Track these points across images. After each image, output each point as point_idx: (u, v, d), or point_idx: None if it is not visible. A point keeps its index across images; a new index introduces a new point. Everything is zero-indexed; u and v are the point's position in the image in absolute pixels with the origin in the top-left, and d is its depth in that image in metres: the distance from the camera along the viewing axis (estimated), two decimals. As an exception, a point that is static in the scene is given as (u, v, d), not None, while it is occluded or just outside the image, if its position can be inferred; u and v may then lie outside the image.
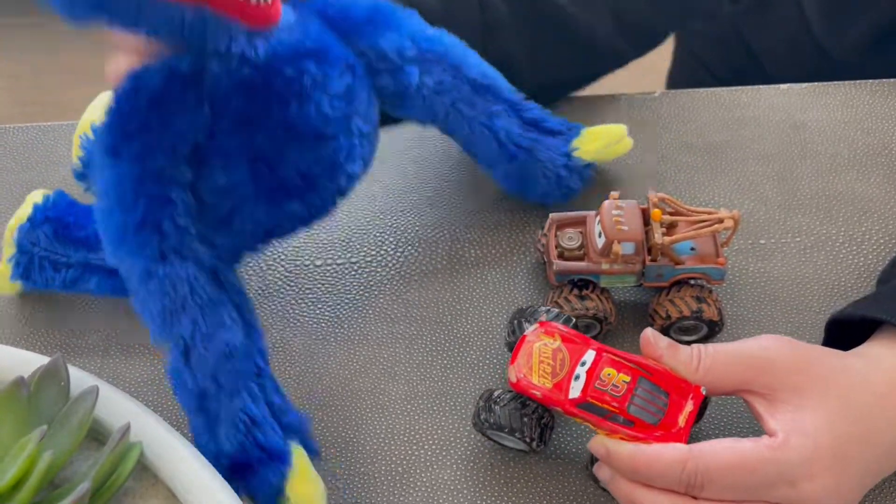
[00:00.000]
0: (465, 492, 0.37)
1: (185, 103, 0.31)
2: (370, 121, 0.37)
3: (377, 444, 0.39)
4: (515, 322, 0.38)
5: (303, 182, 0.34)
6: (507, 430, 0.35)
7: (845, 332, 0.37)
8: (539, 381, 0.34)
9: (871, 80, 0.53)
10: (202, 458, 0.29)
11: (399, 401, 0.40)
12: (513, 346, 0.37)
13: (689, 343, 0.40)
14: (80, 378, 0.30)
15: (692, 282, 0.40)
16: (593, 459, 0.35)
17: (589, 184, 0.45)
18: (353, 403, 0.40)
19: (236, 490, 0.30)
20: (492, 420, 0.35)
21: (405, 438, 0.39)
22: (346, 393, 0.41)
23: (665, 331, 0.40)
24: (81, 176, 0.39)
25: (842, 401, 0.34)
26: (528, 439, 0.35)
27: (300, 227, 0.37)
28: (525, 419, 0.35)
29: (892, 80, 0.53)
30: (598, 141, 0.43)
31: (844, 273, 0.44)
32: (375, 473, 0.38)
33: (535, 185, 0.43)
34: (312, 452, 0.34)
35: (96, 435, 0.31)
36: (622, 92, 0.53)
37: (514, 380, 0.35)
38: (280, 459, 0.33)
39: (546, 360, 0.34)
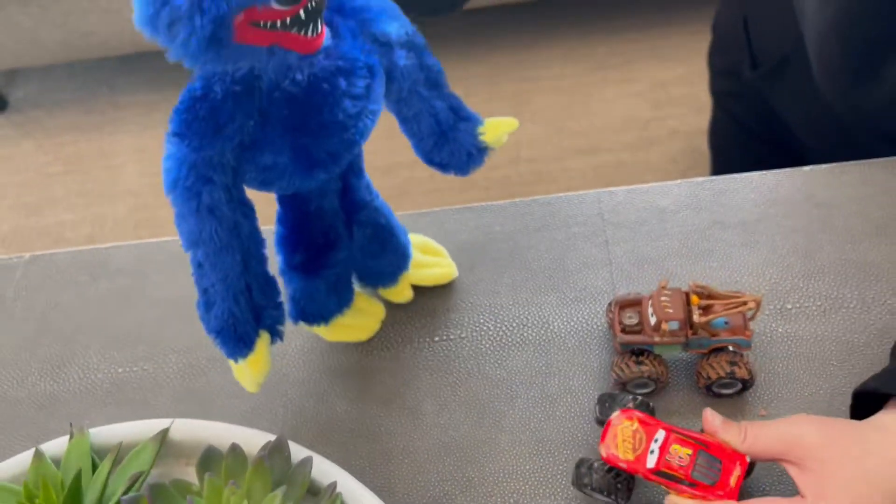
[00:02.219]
0: (561, 516, 0.50)
1: (236, 115, 0.41)
2: (380, 101, 0.46)
3: (493, 482, 0.52)
4: (606, 404, 0.49)
5: (329, 157, 0.45)
6: (604, 493, 0.47)
7: (866, 398, 0.47)
8: (623, 455, 0.46)
9: (884, 159, 0.63)
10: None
11: (507, 447, 0.53)
12: (601, 421, 0.49)
13: (729, 395, 0.52)
14: (294, 448, 0.44)
15: (730, 348, 0.52)
16: None
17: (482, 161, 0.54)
18: (473, 450, 0.54)
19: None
20: (593, 484, 0.47)
21: (514, 476, 0.52)
22: (467, 442, 0.54)
23: (708, 387, 0.52)
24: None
25: (858, 467, 0.42)
26: (619, 500, 0.47)
27: (319, 184, 0.48)
28: (619, 486, 0.47)
29: (901, 157, 0.63)
30: (498, 129, 0.53)
31: (858, 332, 0.55)
32: None
33: (449, 159, 0.52)
34: (276, 337, 0.49)
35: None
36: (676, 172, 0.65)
37: (604, 455, 0.47)
38: (246, 344, 0.46)
39: (627, 439, 0.46)
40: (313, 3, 0.39)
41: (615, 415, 0.47)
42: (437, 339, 0.59)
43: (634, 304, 0.54)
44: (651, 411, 0.49)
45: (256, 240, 0.46)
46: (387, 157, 1.53)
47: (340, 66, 0.43)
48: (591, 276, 0.60)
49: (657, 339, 0.51)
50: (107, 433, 0.48)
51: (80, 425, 0.48)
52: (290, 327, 0.61)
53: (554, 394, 0.55)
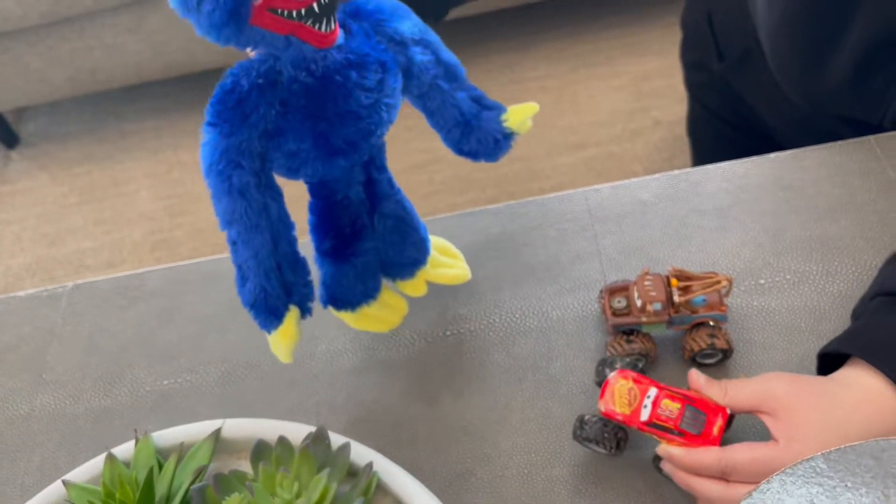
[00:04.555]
0: (572, 482, 0.56)
1: (260, 104, 0.46)
2: (395, 95, 0.50)
3: (507, 457, 0.59)
4: (601, 368, 0.56)
5: (347, 146, 0.49)
6: (594, 442, 0.54)
7: (830, 358, 0.53)
8: (620, 410, 0.52)
9: (839, 142, 0.69)
10: (417, 481, 0.49)
11: (518, 425, 0.60)
12: (600, 384, 0.55)
13: (712, 364, 0.59)
14: (333, 437, 0.51)
15: (710, 323, 0.58)
16: (656, 458, 0.54)
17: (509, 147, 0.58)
18: (487, 430, 0.60)
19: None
20: (584, 435, 0.54)
21: (525, 450, 0.59)
22: (482, 423, 0.61)
23: (693, 358, 0.58)
24: None
25: (823, 416, 0.48)
26: (608, 448, 0.54)
27: (341, 171, 0.52)
28: (605, 435, 0.54)
29: (855, 139, 0.69)
30: (521, 114, 0.57)
31: (824, 301, 0.61)
32: (509, 475, 0.58)
33: (478, 147, 0.57)
34: (306, 312, 0.53)
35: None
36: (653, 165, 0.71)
37: (603, 410, 0.53)
38: (277, 317, 0.51)
39: (623, 395, 0.52)
40: None
41: (612, 375, 0.54)
42: (448, 333, 0.66)
43: (622, 289, 0.60)
44: (641, 370, 0.55)
45: (285, 222, 0.51)
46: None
47: (351, 60, 0.48)
48: (583, 267, 0.67)
49: (644, 319, 0.58)
50: (166, 436, 0.54)
51: (143, 431, 0.55)
52: (317, 330, 0.67)
53: (557, 374, 0.62)
